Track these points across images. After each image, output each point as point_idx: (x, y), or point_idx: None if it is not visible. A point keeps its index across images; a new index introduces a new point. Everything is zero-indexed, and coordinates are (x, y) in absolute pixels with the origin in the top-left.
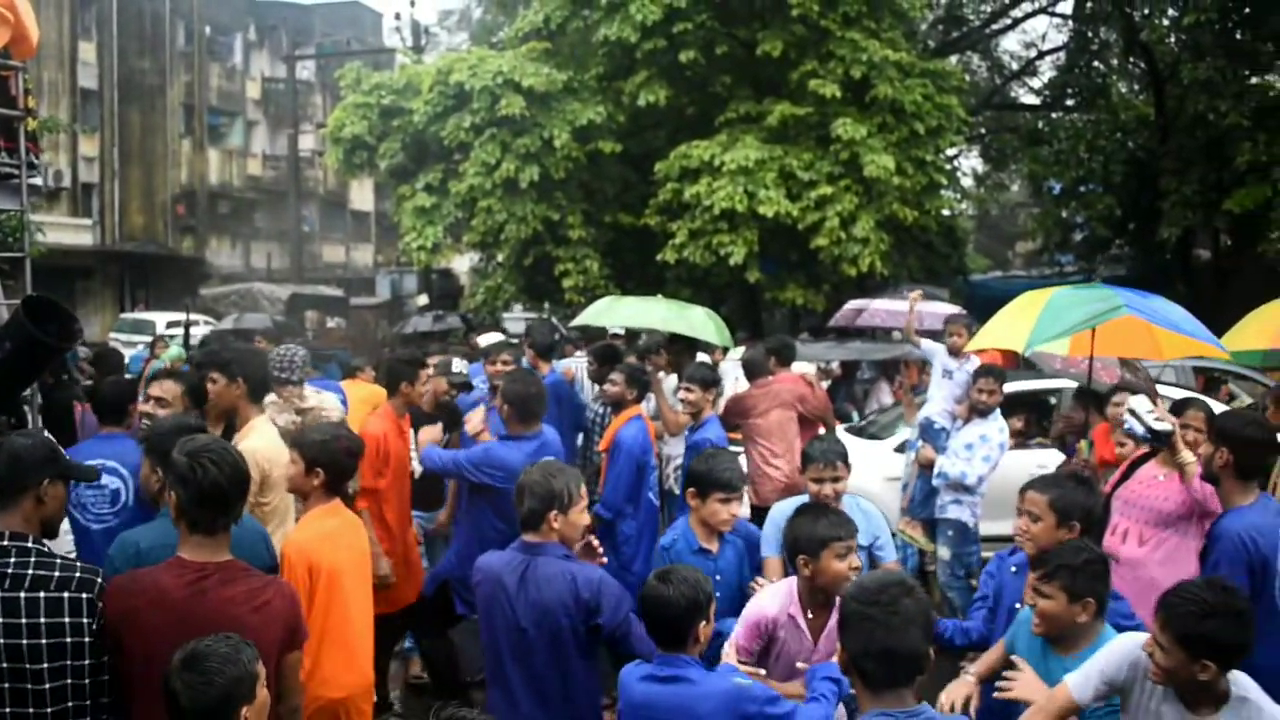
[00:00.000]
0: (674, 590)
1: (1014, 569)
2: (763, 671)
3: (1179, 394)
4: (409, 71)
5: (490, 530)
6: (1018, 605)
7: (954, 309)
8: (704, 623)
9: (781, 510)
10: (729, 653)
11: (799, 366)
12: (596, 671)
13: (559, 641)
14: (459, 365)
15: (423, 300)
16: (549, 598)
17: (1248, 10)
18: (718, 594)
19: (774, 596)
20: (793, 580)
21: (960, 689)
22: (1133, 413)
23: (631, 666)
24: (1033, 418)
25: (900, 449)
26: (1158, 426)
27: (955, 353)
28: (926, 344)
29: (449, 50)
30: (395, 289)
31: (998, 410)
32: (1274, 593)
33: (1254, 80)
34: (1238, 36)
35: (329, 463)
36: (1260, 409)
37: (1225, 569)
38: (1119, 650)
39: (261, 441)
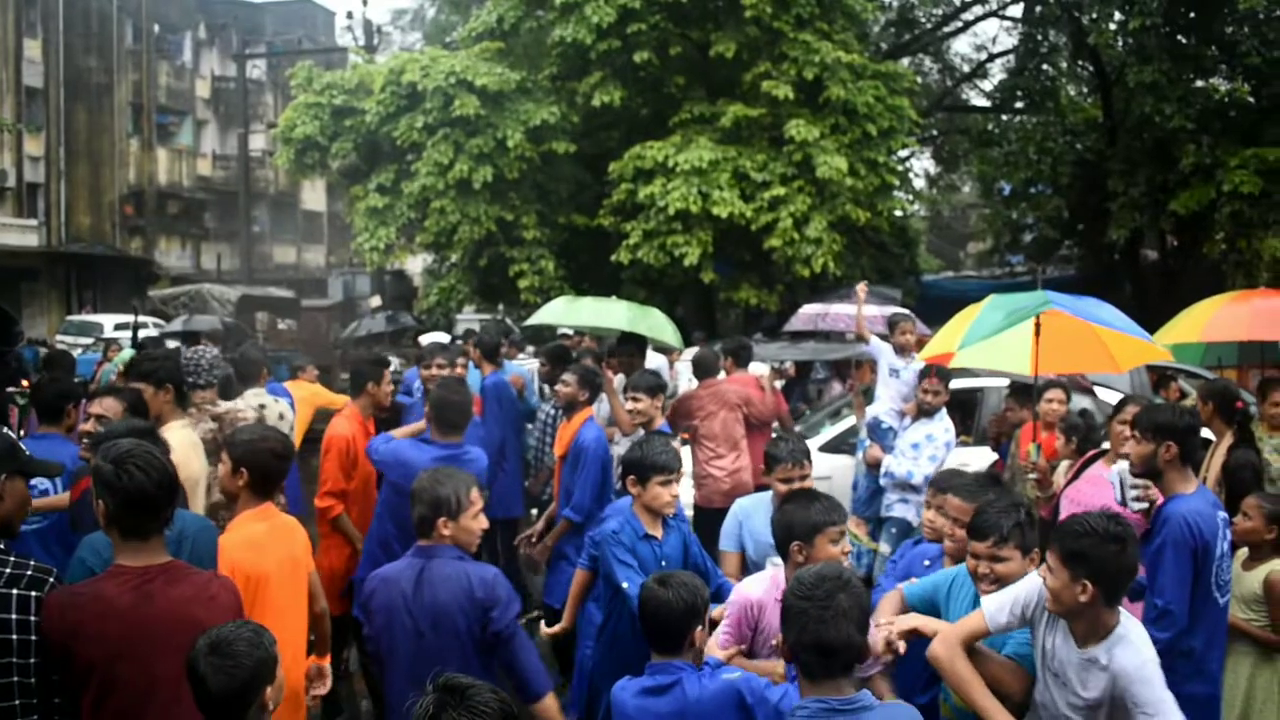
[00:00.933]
0: (673, 594)
1: (927, 562)
2: (743, 647)
3: (1115, 397)
4: (361, 71)
5: (389, 531)
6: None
7: (897, 308)
8: (700, 627)
9: (744, 506)
10: (713, 645)
11: (754, 367)
12: (497, 674)
13: (459, 643)
14: (395, 366)
15: (375, 302)
16: (445, 599)
17: (1192, 15)
18: None
19: (759, 582)
20: (777, 571)
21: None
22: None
23: (625, 681)
24: (957, 416)
25: (826, 448)
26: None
27: (902, 351)
28: (873, 343)
29: (402, 50)
30: (348, 290)
31: (944, 410)
32: (1210, 578)
33: (1198, 84)
34: (1182, 41)
35: (254, 464)
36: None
37: (1170, 551)
38: (1035, 583)
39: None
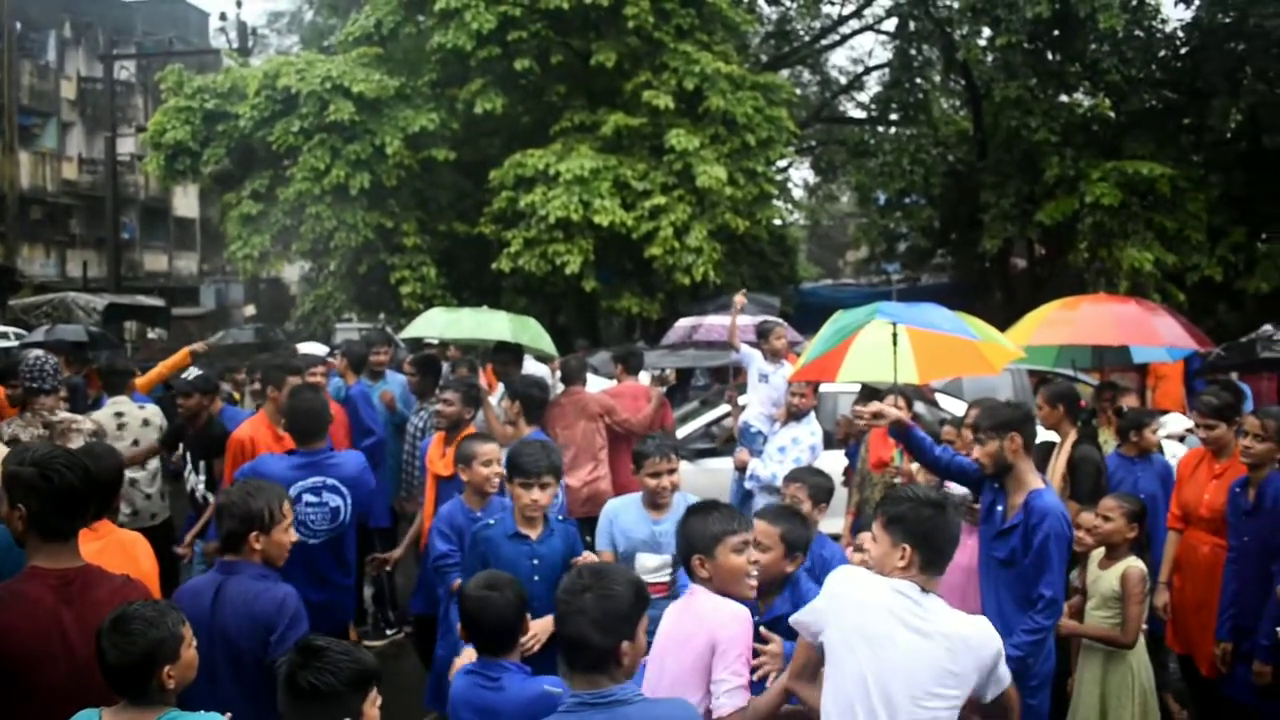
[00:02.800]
0: (501, 596)
1: None
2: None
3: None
4: (234, 75)
5: None
6: None
7: (769, 316)
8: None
9: (614, 505)
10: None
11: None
12: None
13: (240, 667)
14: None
15: (250, 310)
16: (230, 620)
17: (1056, 33)
18: (536, 578)
19: (727, 599)
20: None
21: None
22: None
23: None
24: None
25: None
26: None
27: (773, 357)
28: (743, 350)
29: (279, 53)
30: (221, 299)
31: (812, 413)
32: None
33: (1062, 99)
34: (1047, 58)
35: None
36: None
37: (1053, 543)
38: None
39: None
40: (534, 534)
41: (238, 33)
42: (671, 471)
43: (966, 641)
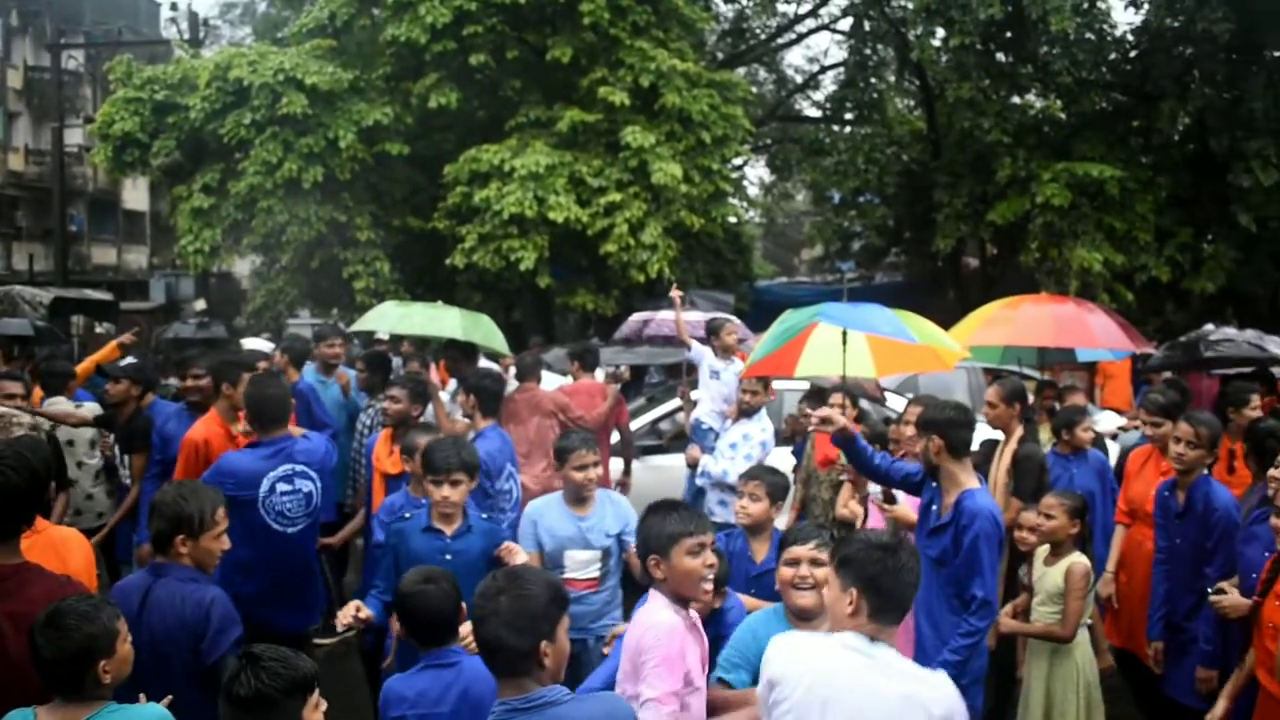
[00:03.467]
0: (437, 589)
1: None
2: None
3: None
4: (185, 66)
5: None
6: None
7: (718, 313)
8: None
9: (536, 506)
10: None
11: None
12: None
13: (167, 670)
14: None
15: (201, 305)
16: (157, 624)
17: (1009, 35)
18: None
19: (662, 605)
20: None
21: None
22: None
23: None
24: None
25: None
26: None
27: (724, 353)
28: (695, 347)
29: (231, 45)
30: (170, 293)
31: (763, 410)
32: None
33: (1014, 100)
34: (999, 59)
35: None
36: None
37: (984, 544)
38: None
39: None
40: (449, 530)
41: (189, 23)
42: (596, 465)
43: (920, 699)
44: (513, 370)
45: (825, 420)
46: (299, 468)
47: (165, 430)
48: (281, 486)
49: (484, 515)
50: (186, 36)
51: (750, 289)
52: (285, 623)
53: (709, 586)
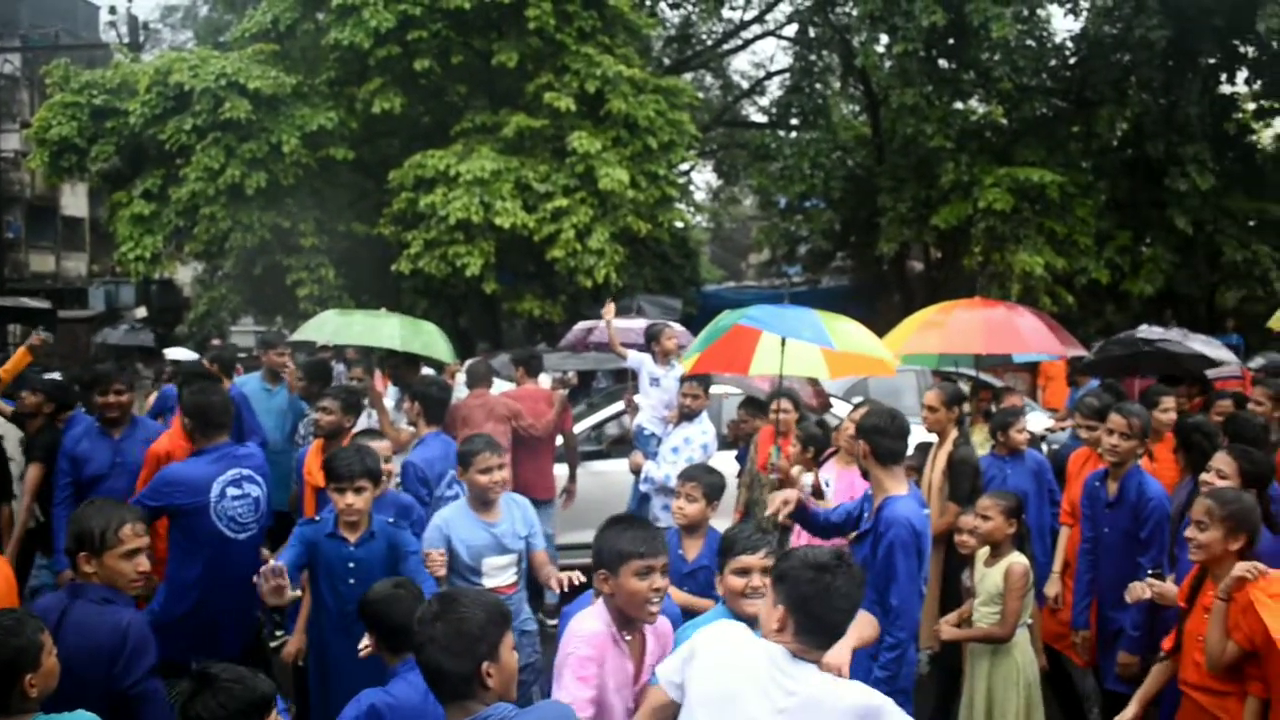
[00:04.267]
0: (407, 593)
1: None
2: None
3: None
4: (124, 70)
5: (182, 565)
6: None
7: (668, 319)
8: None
9: (444, 516)
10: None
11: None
12: None
13: (83, 693)
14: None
15: (142, 313)
16: (72, 647)
17: (951, 41)
18: (352, 580)
19: (594, 615)
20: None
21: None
22: None
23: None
24: None
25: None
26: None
27: (664, 358)
28: (632, 355)
29: (172, 49)
30: (110, 300)
31: (704, 413)
32: (922, 575)
33: (957, 106)
34: (942, 65)
35: None
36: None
37: (900, 553)
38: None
39: None
40: (352, 537)
41: (128, 27)
42: (501, 467)
43: (820, 705)
44: (460, 377)
45: (785, 502)
46: (246, 472)
47: (77, 451)
48: (231, 491)
49: (389, 520)
50: (126, 40)
51: (698, 294)
52: (232, 641)
53: (654, 609)
